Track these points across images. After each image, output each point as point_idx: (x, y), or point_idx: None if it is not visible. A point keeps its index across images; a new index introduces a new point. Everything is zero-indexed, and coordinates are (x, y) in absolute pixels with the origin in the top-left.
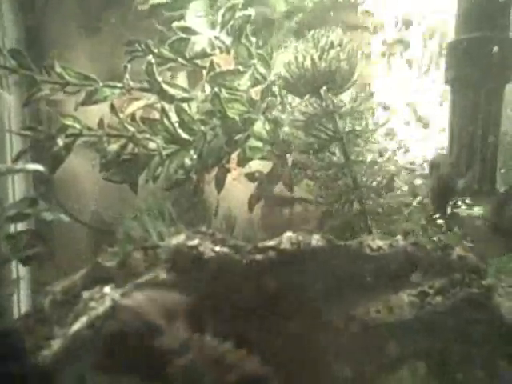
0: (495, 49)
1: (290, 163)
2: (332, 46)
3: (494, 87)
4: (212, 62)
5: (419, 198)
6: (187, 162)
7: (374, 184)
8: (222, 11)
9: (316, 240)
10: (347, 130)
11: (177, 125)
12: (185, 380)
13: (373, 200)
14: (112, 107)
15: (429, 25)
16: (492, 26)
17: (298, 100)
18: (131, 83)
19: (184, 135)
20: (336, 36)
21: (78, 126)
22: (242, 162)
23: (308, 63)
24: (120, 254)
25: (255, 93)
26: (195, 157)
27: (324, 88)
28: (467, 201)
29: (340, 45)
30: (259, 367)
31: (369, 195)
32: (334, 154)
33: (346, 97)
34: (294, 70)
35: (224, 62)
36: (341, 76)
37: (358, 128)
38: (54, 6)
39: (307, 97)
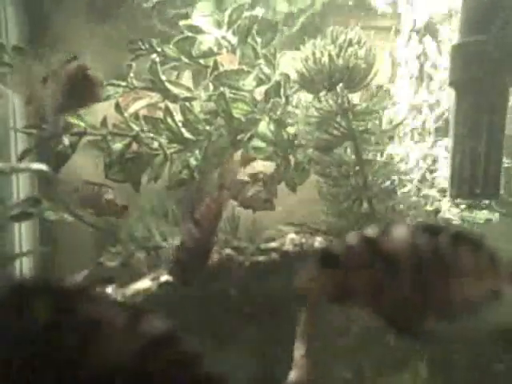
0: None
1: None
2: (350, 43)
3: (498, 90)
4: (216, 62)
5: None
6: (192, 161)
7: (385, 185)
8: (228, 11)
9: (319, 242)
10: (361, 128)
11: (180, 124)
12: None
13: (382, 201)
14: (117, 106)
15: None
16: (495, 30)
17: (305, 98)
18: (135, 82)
19: (187, 135)
20: (355, 34)
21: (82, 124)
22: (245, 162)
23: (326, 59)
24: (123, 254)
25: (259, 93)
26: (199, 156)
27: (340, 85)
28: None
29: (358, 43)
30: None
31: (379, 196)
32: (345, 151)
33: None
34: (311, 66)
35: (227, 62)
36: (358, 74)
37: (370, 127)
38: (58, 3)
39: (323, 93)
